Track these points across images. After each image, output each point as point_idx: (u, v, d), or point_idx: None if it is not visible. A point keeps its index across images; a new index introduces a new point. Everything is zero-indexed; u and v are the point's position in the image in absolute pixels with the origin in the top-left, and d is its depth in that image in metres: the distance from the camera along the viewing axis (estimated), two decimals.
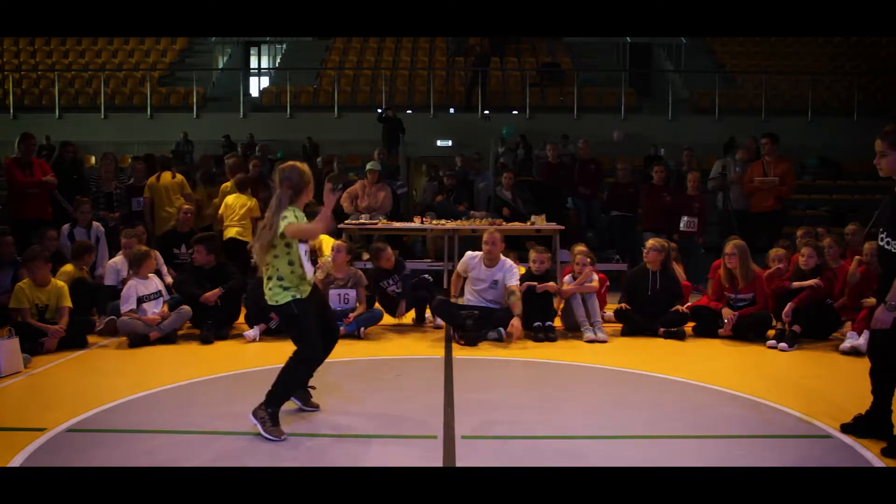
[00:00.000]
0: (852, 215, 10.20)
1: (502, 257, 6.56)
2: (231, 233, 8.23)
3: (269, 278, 3.89)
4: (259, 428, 3.75)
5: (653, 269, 6.74)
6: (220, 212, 8.49)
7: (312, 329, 3.92)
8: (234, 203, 8.46)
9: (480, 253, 6.56)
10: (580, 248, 7.05)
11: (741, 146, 10.23)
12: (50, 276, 6.04)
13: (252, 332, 6.24)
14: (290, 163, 4.00)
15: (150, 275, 6.43)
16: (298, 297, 3.88)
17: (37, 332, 5.69)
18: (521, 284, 6.45)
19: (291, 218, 3.79)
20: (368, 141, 13.92)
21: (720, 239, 7.87)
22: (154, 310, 6.22)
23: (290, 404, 4.13)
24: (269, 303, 3.93)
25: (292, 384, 3.99)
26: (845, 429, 3.89)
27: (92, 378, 5.10)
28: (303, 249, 3.92)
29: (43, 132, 12.53)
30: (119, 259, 7.03)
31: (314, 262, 5.79)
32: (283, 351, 4.08)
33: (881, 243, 3.70)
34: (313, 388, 4.28)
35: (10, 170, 8.13)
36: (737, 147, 10.52)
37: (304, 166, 3.97)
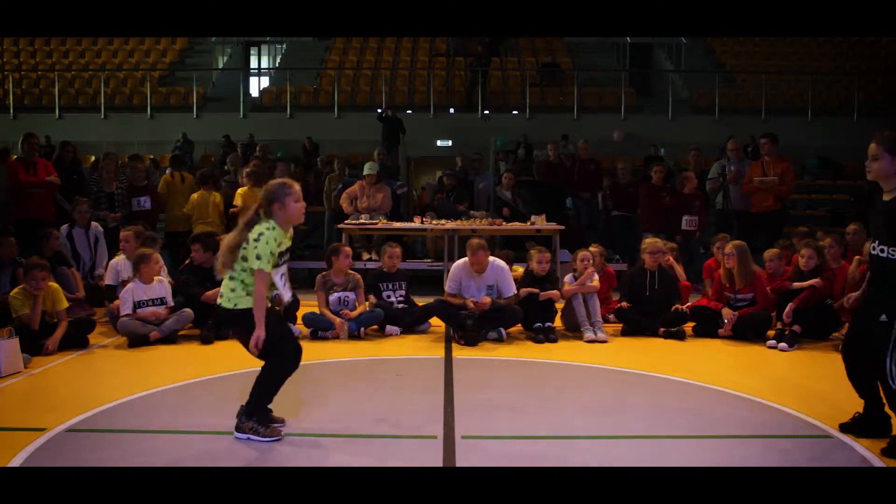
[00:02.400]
0: (852, 215, 10.19)
1: (492, 259, 6.47)
2: (199, 229, 8.13)
3: (233, 279, 3.70)
4: (254, 438, 3.68)
5: (651, 270, 6.74)
6: (185, 209, 8.75)
7: (284, 338, 3.80)
8: (200, 200, 8.71)
9: (465, 260, 6.44)
10: (594, 248, 7.07)
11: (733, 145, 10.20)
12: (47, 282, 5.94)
13: None
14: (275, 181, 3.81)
15: (156, 278, 6.33)
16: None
17: (37, 332, 5.67)
18: (521, 289, 6.46)
19: (263, 249, 3.57)
20: (368, 141, 13.90)
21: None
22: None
23: None
24: (227, 306, 3.71)
25: (272, 390, 3.82)
26: (844, 428, 3.89)
27: (92, 378, 5.10)
28: (278, 274, 3.74)
29: (43, 132, 12.53)
30: (120, 259, 6.82)
31: None
32: None
33: (874, 252, 3.65)
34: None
35: (14, 169, 8.14)
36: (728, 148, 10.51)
37: (286, 180, 3.78)
